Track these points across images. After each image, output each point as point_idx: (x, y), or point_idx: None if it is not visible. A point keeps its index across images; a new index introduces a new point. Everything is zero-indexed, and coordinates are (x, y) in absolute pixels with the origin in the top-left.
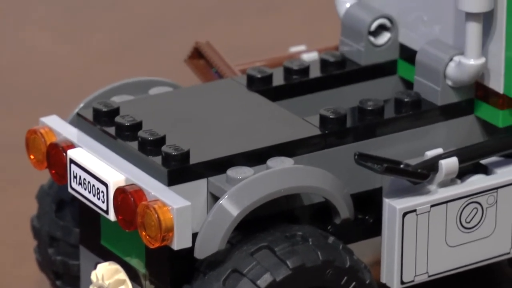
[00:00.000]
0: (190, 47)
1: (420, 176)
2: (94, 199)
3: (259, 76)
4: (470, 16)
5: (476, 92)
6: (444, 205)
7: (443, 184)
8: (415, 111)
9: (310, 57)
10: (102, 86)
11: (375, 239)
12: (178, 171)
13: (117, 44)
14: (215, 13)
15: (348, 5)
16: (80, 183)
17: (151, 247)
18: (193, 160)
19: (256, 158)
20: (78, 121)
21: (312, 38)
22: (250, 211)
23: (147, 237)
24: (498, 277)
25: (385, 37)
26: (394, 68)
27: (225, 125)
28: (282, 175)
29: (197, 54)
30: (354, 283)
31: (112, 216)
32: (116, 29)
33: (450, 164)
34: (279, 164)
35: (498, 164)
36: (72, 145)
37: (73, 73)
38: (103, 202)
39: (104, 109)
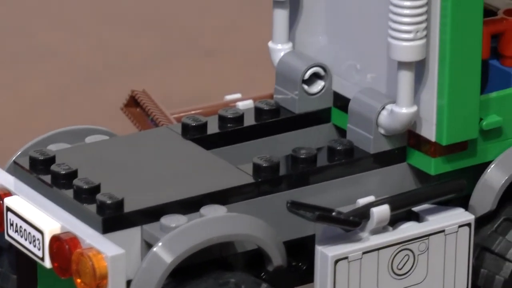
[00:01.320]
0: (127, 95)
1: (352, 223)
2: (30, 247)
3: (193, 124)
4: (402, 65)
5: (408, 140)
6: (376, 252)
7: (375, 232)
8: (348, 159)
9: (245, 105)
10: (39, 134)
11: (308, 286)
12: (112, 219)
13: (54, 92)
14: (152, 61)
15: (282, 53)
16: (16, 231)
17: None
18: (127, 208)
19: (189, 206)
20: (15, 169)
21: (248, 86)
22: (184, 258)
23: (82, 284)
24: None
25: (319, 85)
26: (328, 116)
27: (160, 173)
28: (215, 223)
29: (133, 102)
30: None
31: (48, 263)
32: (53, 77)
33: (381, 211)
34: (212, 212)
35: (430, 212)
36: (9, 193)
37: (10, 121)
38: (39, 249)
39: (40, 158)
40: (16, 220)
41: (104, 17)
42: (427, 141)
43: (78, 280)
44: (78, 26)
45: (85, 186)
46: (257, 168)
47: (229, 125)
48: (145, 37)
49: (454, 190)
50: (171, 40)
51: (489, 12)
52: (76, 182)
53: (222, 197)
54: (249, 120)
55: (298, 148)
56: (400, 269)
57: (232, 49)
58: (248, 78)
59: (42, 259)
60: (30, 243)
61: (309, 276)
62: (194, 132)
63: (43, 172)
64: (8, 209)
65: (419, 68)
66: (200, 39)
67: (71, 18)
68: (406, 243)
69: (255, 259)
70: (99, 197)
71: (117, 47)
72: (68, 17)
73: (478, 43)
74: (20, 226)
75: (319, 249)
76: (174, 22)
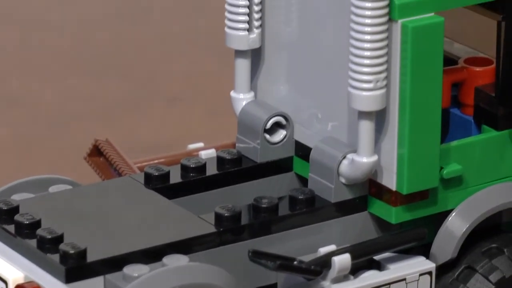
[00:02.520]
0: (90, 144)
1: (313, 272)
2: None
3: (156, 174)
4: (362, 114)
5: (369, 189)
6: None
7: (337, 280)
8: (309, 208)
9: (208, 154)
10: (3, 184)
11: None
12: (75, 269)
13: (18, 140)
14: (116, 108)
15: (244, 103)
16: None
17: None
18: (90, 258)
19: (152, 255)
20: None
21: (211, 135)
22: None
23: None
24: None
25: (280, 134)
26: (290, 165)
27: (123, 223)
28: (177, 273)
29: (96, 152)
30: None
31: None
32: (17, 125)
33: (343, 260)
34: (175, 261)
35: (391, 260)
36: None
37: None
38: None
39: (4, 208)
40: None
41: (68, 64)
42: (388, 190)
43: None
44: (42, 73)
45: (49, 236)
46: (219, 218)
47: (191, 174)
48: (109, 85)
49: (415, 239)
50: (135, 87)
51: (449, 60)
52: (39, 232)
53: (184, 246)
54: (211, 170)
55: (259, 198)
56: None
57: (195, 97)
58: (211, 126)
59: None
60: None
61: None
62: (157, 182)
63: (7, 222)
64: None
65: (379, 117)
66: (164, 86)
67: (35, 65)
68: None
69: None
70: (62, 247)
71: (81, 95)
72: (33, 64)
73: (438, 92)
74: None
75: None
76: (138, 69)
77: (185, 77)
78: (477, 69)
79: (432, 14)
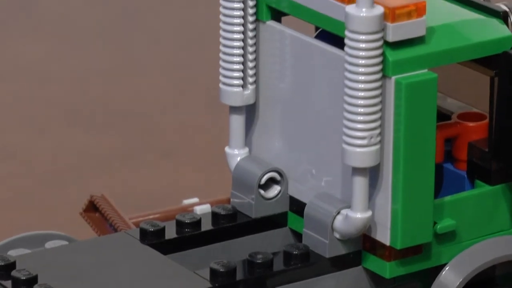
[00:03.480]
0: (86, 199)
1: None
2: None
3: (151, 229)
4: (356, 170)
5: (363, 243)
6: None
7: None
8: (304, 264)
9: (203, 209)
10: None
11: None
12: None
13: (14, 195)
14: (111, 162)
15: (238, 158)
16: None
17: None
18: None
19: None
20: None
21: (206, 189)
22: None
23: None
24: None
25: (275, 190)
26: (285, 221)
27: (118, 279)
28: None
29: (92, 207)
30: None
31: None
32: (13, 180)
33: None
34: None
35: None
36: None
37: None
38: None
39: (1, 263)
40: None
41: (63, 118)
42: (382, 245)
43: None
44: (37, 126)
45: None
46: (214, 273)
47: (186, 230)
48: (104, 138)
49: None
50: (131, 141)
51: (443, 115)
52: (36, 287)
53: None
54: (206, 225)
55: (254, 253)
56: None
57: (191, 151)
58: (207, 180)
59: None
60: None
61: None
62: (152, 238)
63: (4, 278)
64: None
65: (373, 172)
66: (159, 140)
67: (31, 118)
68: None
69: None
70: None
71: (77, 148)
72: (28, 117)
73: (432, 148)
74: None
75: None
76: (134, 122)
77: (181, 130)
78: (470, 124)
79: (426, 70)
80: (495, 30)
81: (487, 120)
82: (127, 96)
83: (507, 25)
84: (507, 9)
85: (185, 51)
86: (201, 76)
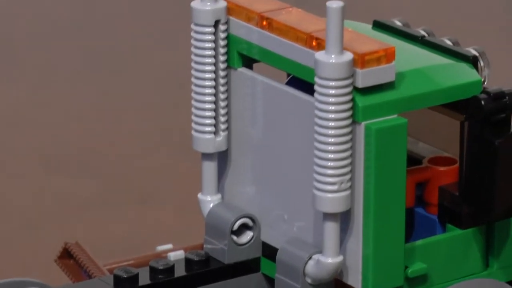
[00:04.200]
0: (60, 246)
1: None
2: None
3: (125, 276)
4: (327, 215)
5: None
6: None
7: None
8: None
9: (177, 255)
10: None
11: None
12: None
13: None
14: (86, 208)
15: (211, 205)
16: None
17: None
18: None
19: None
20: None
21: (180, 235)
22: None
23: None
24: None
25: (247, 235)
26: (257, 266)
27: None
28: None
29: (66, 254)
30: None
31: None
32: None
33: None
34: None
35: None
36: None
37: None
38: None
39: None
40: None
41: (39, 163)
42: None
43: None
44: (13, 171)
45: None
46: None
47: (160, 276)
48: (81, 182)
49: None
50: (107, 185)
51: (414, 160)
52: None
53: None
54: (180, 271)
55: None
56: None
57: (166, 196)
58: (182, 225)
59: None
60: None
61: None
62: (126, 284)
63: None
64: None
65: (344, 217)
66: (134, 185)
67: (5, 163)
68: None
69: None
70: None
71: (54, 193)
72: (2, 163)
73: (402, 193)
74: None
75: None
76: (110, 166)
77: (156, 176)
78: (441, 168)
79: (396, 115)
80: (465, 74)
81: (457, 165)
82: (104, 140)
83: (477, 69)
84: (476, 54)
85: (164, 95)
86: (178, 121)
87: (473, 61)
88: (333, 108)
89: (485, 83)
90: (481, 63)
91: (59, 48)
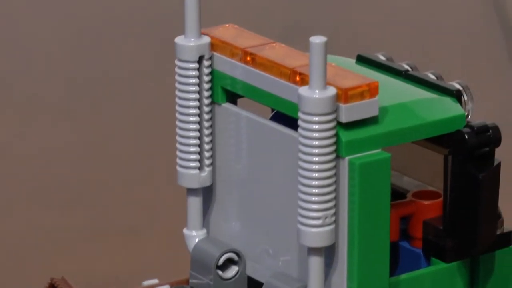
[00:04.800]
0: (47, 282)
1: None
2: None
3: None
4: (312, 250)
5: None
6: None
7: None
8: None
9: None
10: None
11: None
12: None
13: None
14: (71, 242)
15: (196, 239)
16: None
17: None
18: None
19: None
20: None
21: (167, 270)
22: None
23: None
24: None
25: (233, 270)
26: None
27: None
28: None
29: None
30: None
31: None
32: None
33: None
34: None
35: None
36: None
37: None
38: None
39: None
40: None
41: (24, 196)
42: None
43: None
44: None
45: None
46: None
47: None
48: (67, 216)
49: None
50: (94, 219)
51: (398, 194)
52: None
53: None
54: None
55: None
56: None
57: (152, 230)
58: (168, 260)
59: None
60: None
61: None
62: None
63: None
64: None
65: (329, 251)
66: (121, 219)
67: None
68: None
69: None
70: None
71: (40, 227)
72: None
73: (386, 227)
74: None
75: None
76: (96, 200)
77: (143, 209)
78: (425, 202)
79: (379, 150)
80: (448, 109)
81: (441, 198)
82: (91, 174)
83: (461, 103)
84: (460, 88)
85: (150, 129)
86: (166, 154)
87: (456, 95)
88: (316, 143)
89: (469, 117)
90: (465, 97)
91: (46, 80)
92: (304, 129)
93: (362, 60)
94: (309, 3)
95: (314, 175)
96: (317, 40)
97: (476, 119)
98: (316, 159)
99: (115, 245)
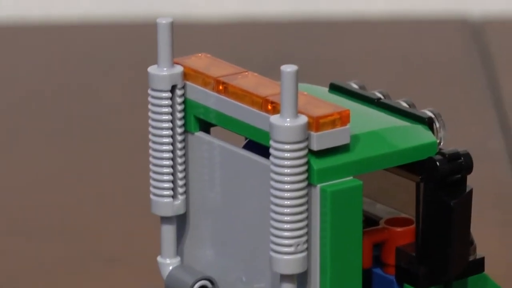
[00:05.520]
0: None
1: None
2: None
3: None
4: (284, 277)
5: None
6: None
7: None
8: None
9: None
10: None
11: None
12: None
13: None
14: (51, 272)
15: (170, 267)
16: None
17: None
18: None
19: None
20: None
21: None
22: None
23: None
24: None
25: None
26: None
27: None
28: None
29: None
30: None
31: None
32: None
33: None
34: None
35: None
36: None
37: None
38: None
39: None
40: None
41: (4, 226)
42: None
43: None
44: None
45: None
46: None
47: None
48: (46, 246)
49: None
50: (72, 249)
51: (371, 221)
52: None
53: None
54: None
55: None
56: None
57: (133, 258)
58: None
59: None
60: None
61: None
62: None
63: None
64: None
65: (301, 279)
66: (101, 247)
67: None
68: None
69: None
70: None
71: (18, 257)
72: None
73: (359, 254)
74: None
75: None
76: (75, 230)
77: (123, 238)
78: (398, 229)
79: (351, 177)
80: (420, 136)
81: (414, 225)
82: (70, 203)
83: (433, 131)
84: (432, 115)
85: (131, 158)
86: (142, 182)
87: (428, 123)
88: (288, 171)
89: (441, 144)
90: (437, 124)
91: (23, 112)
92: (276, 157)
93: (335, 88)
94: (291, 33)
95: (286, 202)
96: (288, 68)
97: (449, 147)
98: (287, 187)
99: (96, 274)
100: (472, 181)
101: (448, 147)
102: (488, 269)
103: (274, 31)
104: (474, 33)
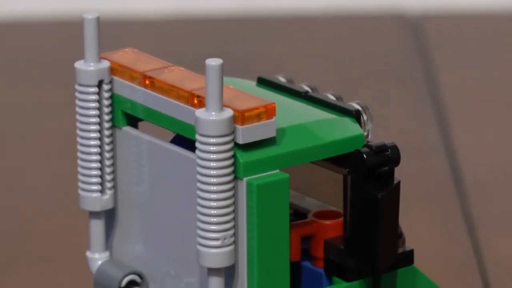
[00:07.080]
0: None
1: None
2: None
3: None
4: (211, 271)
5: None
6: None
7: None
8: None
9: None
10: None
11: None
12: None
13: None
14: None
15: (99, 262)
16: None
17: None
18: None
19: None
20: None
21: None
22: None
23: None
24: None
25: None
26: None
27: None
28: None
29: None
30: None
31: None
32: None
33: None
34: None
35: None
36: None
37: None
38: None
39: None
40: None
41: None
42: None
43: None
44: None
45: None
46: None
47: None
48: None
49: None
50: (5, 247)
51: (301, 214)
52: None
53: None
54: None
55: None
56: None
57: (65, 257)
58: (82, 285)
59: None
60: None
61: None
62: None
63: None
64: None
65: (229, 272)
66: (32, 247)
67: None
68: None
69: None
70: None
71: None
72: None
73: (286, 247)
74: None
75: None
76: (5, 229)
77: (54, 237)
78: (326, 222)
79: (277, 170)
80: (347, 129)
81: (342, 218)
82: (4, 200)
83: (360, 123)
84: (359, 108)
85: (61, 156)
86: (74, 181)
87: (356, 116)
88: (214, 164)
89: (369, 137)
90: (364, 117)
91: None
92: (202, 151)
93: (263, 82)
94: (229, 30)
95: (212, 196)
96: (213, 62)
97: (376, 140)
98: (213, 180)
99: (27, 274)
100: (407, 174)
101: (376, 140)
102: (417, 262)
103: (212, 27)
104: (412, 28)
